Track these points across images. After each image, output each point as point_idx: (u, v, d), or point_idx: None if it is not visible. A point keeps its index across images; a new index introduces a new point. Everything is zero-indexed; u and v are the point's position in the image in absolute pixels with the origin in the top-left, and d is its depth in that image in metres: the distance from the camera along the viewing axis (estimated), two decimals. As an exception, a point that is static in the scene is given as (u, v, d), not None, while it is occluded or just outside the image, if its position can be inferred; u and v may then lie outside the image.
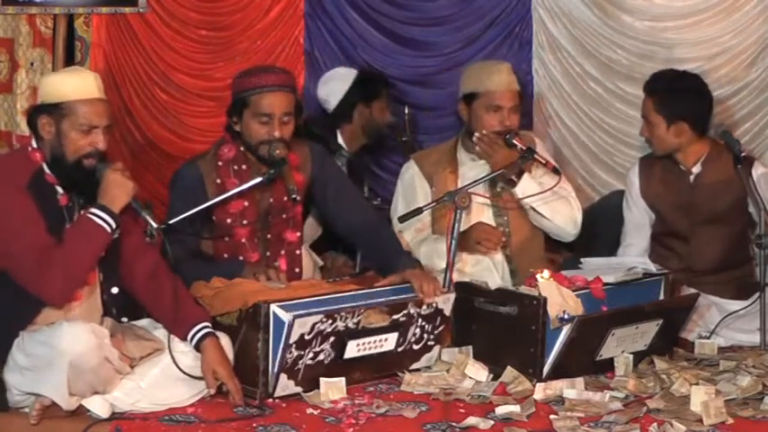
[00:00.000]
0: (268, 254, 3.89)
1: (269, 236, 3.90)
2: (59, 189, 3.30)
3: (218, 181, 3.84)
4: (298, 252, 3.97)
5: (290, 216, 3.93)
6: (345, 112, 5.02)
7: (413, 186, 4.31)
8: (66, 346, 3.06)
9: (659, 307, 3.84)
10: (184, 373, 3.29)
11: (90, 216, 3.23)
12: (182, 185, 3.87)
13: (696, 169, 4.36)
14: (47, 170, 3.29)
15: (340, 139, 5.04)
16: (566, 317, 3.55)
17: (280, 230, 3.92)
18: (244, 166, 3.87)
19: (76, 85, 3.28)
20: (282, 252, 3.92)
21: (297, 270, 3.95)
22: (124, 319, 3.42)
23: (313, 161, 4.00)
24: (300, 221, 3.98)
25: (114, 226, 3.25)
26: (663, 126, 4.29)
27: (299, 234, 3.96)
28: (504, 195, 4.24)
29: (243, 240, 3.85)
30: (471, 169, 4.24)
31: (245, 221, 3.85)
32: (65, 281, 3.19)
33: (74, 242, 3.20)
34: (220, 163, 3.87)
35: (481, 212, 4.23)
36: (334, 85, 5.08)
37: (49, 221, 3.23)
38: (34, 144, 3.32)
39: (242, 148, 3.87)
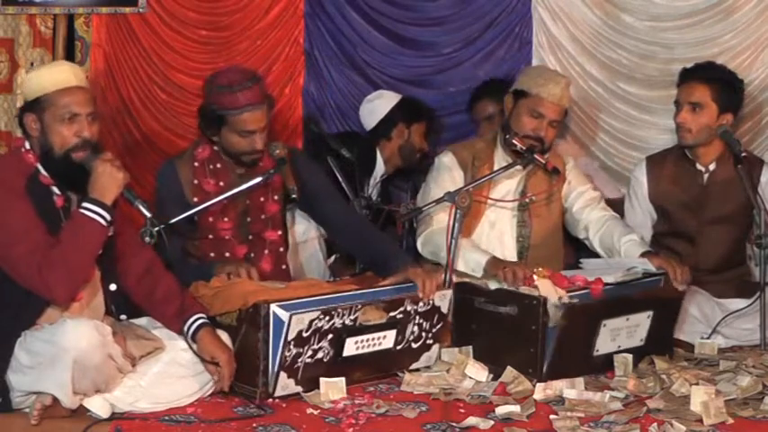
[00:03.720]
0: (252, 255, 3.92)
1: (250, 237, 3.94)
2: (55, 190, 3.29)
3: (196, 182, 3.90)
4: (281, 249, 4.00)
5: (268, 216, 3.96)
6: (385, 130, 5.09)
7: (450, 173, 4.22)
8: (70, 343, 3.05)
9: (648, 296, 3.85)
10: (196, 353, 3.29)
11: (83, 211, 3.21)
12: (163, 185, 3.95)
13: (712, 167, 4.37)
14: (42, 171, 3.28)
15: (379, 158, 5.08)
16: (560, 304, 3.57)
17: (260, 231, 3.95)
18: (219, 165, 3.93)
19: (52, 76, 3.27)
20: (266, 252, 3.95)
21: (283, 267, 3.99)
22: (123, 317, 3.42)
23: (295, 165, 4.00)
24: (280, 220, 4.01)
25: (109, 218, 3.22)
26: (715, 114, 4.30)
27: (279, 232, 3.99)
28: (531, 206, 4.22)
29: (227, 236, 3.89)
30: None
31: (226, 218, 3.89)
32: (67, 279, 3.17)
33: (70, 240, 3.18)
34: (196, 163, 3.93)
35: (505, 223, 4.22)
36: (379, 103, 5.16)
37: (47, 223, 3.22)
38: (27, 145, 3.31)
39: (215, 147, 3.93)
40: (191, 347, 3.31)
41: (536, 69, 4.47)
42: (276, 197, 3.96)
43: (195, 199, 3.85)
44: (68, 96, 3.25)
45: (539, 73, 4.28)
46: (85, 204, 3.22)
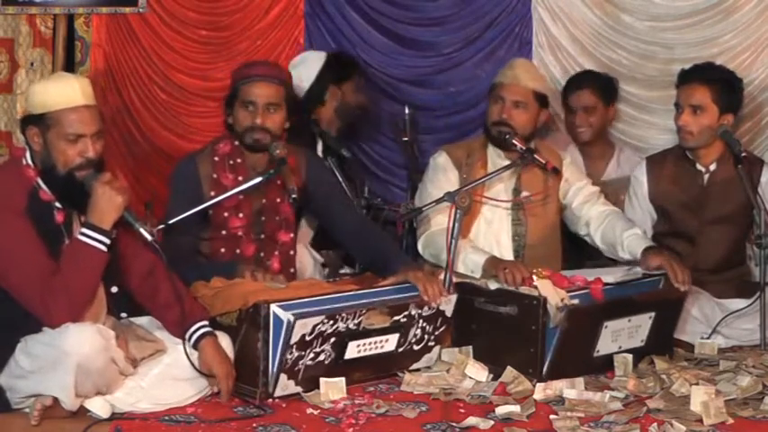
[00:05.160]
0: (262, 254, 3.91)
1: (262, 236, 3.93)
2: (56, 205, 3.25)
3: (215, 176, 3.90)
4: (291, 252, 4.00)
5: (282, 217, 3.96)
6: (318, 95, 4.92)
7: (445, 173, 4.21)
8: (73, 348, 3.05)
9: (650, 298, 3.85)
10: (195, 368, 3.28)
11: (81, 238, 3.18)
12: (179, 180, 3.93)
13: (712, 167, 4.36)
14: (42, 186, 3.24)
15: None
16: (562, 305, 3.57)
17: (273, 231, 3.94)
18: (239, 160, 3.92)
19: (59, 93, 3.20)
20: (276, 253, 3.94)
21: (291, 270, 3.99)
22: (123, 315, 3.40)
23: (308, 166, 4.03)
24: (293, 222, 4.01)
25: (108, 242, 3.20)
26: (716, 116, 4.29)
27: (291, 235, 3.99)
28: (526, 204, 4.22)
29: (239, 233, 3.88)
30: (497, 166, 4.16)
31: (240, 214, 3.89)
32: (69, 306, 3.15)
33: (71, 268, 3.16)
34: (216, 158, 3.93)
35: (501, 221, 4.21)
36: (304, 69, 4.97)
37: (48, 243, 3.19)
38: (28, 157, 3.27)
39: (236, 143, 3.93)
40: (189, 359, 3.28)
41: None
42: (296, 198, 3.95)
43: (212, 193, 3.85)
44: (75, 116, 3.19)
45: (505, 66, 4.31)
46: (84, 231, 3.19)
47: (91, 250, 3.18)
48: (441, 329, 3.72)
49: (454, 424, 3.20)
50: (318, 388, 3.43)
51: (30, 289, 3.14)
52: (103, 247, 3.20)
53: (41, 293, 3.13)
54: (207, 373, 3.32)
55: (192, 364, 3.29)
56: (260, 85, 3.86)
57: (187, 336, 3.33)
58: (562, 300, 3.59)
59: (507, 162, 4.16)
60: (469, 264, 3.95)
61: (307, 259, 4.17)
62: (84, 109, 3.22)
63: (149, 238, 3.28)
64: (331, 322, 3.41)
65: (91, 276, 3.21)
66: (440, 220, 4.03)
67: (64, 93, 3.21)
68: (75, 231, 3.26)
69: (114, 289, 3.39)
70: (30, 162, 3.27)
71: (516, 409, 3.29)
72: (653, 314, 3.83)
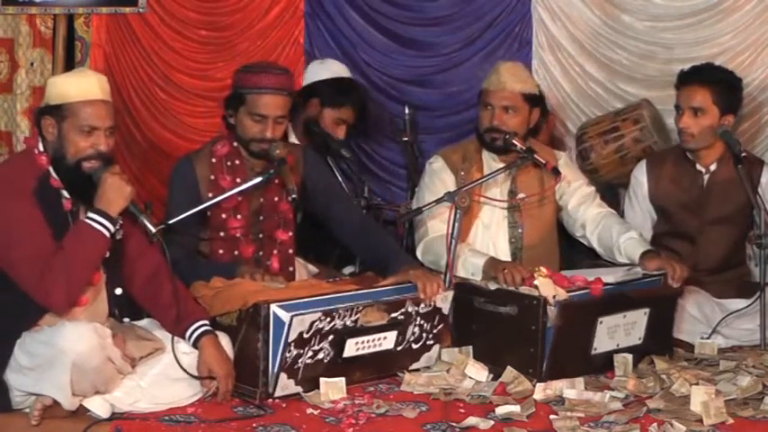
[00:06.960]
0: (260, 253, 3.92)
1: (261, 236, 3.93)
2: (64, 193, 3.29)
3: (212, 177, 3.89)
4: (290, 251, 4.01)
5: (281, 216, 3.96)
6: (302, 97, 4.68)
7: (441, 179, 4.20)
8: (69, 346, 3.06)
9: (644, 294, 3.85)
10: (186, 371, 3.29)
11: (87, 221, 3.22)
12: (177, 180, 3.93)
13: (712, 168, 4.36)
14: (53, 174, 3.29)
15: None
16: (554, 302, 3.57)
17: (271, 230, 3.95)
18: (237, 162, 3.92)
19: (78, 86, 3.28)
20: (275, 251, 3.95)
21: (291, 269, 3.99)
22: (126, 320, 3.42)
23: (305, 163, 4.04)
24: (292, 221, 4.01)
25: (113, 230, 3.24)
26: (716, 117, 4.28)
27: (290, 233, 3.99)
28: (523, 205, 4.21)
29: (238, 234, 3.88)
30: (493, 169, 4.16)
31: (239, 216, 3.89)
32: (67, 288, 3.17)
33: (73, 249, 3.18)
34: (214, 159, 3.92)
35: (498, 224, 4.21)
36: (313, 69, 4.91)
37: (54, 228, 3.22)
38: (41, 147, 3.31)
39: (235, 144, 3.92)
40: (177, 362, 3.28)
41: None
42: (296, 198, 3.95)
43: (210, 195, 3.85)
44: (90, 108, 3.26)
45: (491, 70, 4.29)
46: (91, 215, 3.23)
47: (95, 233, 3.21)
48: (439, 327, 3.72)
49: (454, 424, 3.20)
50: (318, 388, 3.44)
51: (29, 267, 3.16)
52: (107, 233, 3.22)
53: (40, 272, 3.15)
54: (206, 374, 3.32)
55: (181, 367, 3.28)
56: (272, 98, 3.83)
57: (187, 334, 3.33)
58: (554, 296, 3.59)
59: (502, 164, 4.16)
60: (469, 267, 3.95)
61: (302, 271, 4.18)
62: (100, 103, 3.29)
63: (152, 230, 3.32)
64: (328, 319, 3.41)
65: (91, 258, 3.23)
66: (437, 227, 4.04)
67: (82, 86, 3.28)
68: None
69: (118, 291, 3.41)
70: (42, 150, 3.31)
71: (516, 409, 3.29)
72: (647, 310, 3.83)
